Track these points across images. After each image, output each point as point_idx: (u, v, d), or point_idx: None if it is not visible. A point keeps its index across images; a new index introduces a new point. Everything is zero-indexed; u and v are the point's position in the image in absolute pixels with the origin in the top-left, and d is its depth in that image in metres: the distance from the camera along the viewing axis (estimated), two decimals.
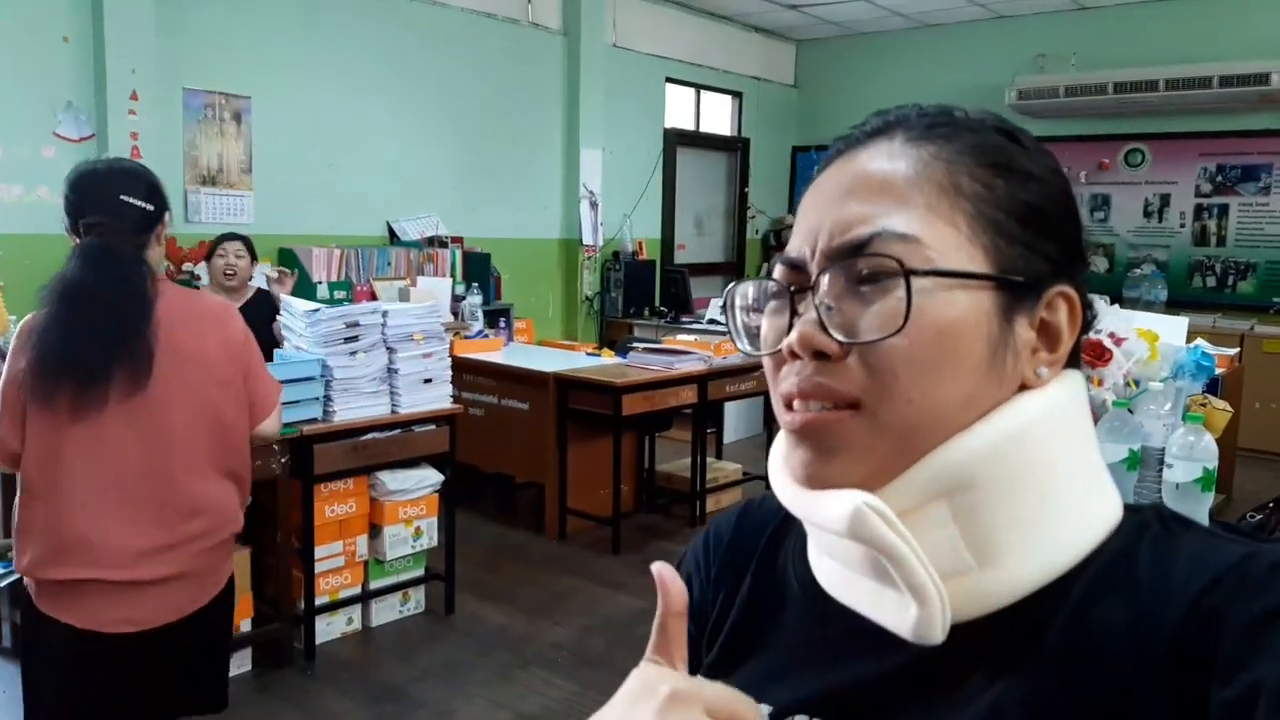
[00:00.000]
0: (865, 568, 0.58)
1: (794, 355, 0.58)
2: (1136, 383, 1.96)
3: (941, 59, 8.15)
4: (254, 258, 4.30)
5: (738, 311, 0.65)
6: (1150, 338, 1.99)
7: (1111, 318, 1.98)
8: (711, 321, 6.74)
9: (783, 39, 8.90)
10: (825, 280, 0.57)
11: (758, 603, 0.69)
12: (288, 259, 5.34)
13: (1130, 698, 0.51)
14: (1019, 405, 0.57)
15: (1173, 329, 2.18)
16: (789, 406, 0.59)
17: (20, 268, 4.53)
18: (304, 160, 5.53)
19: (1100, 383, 1.89)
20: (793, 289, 0.59)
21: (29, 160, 4.59)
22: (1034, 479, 0.56)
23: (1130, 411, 1.84)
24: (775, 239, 9.00)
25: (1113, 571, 0.55)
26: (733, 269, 8.85)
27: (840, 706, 0.60)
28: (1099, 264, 7.40)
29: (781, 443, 0.62)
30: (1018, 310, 0.57)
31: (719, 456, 5.71)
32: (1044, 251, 0.58)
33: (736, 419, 6.77)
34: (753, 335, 0.63)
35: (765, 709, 0.62)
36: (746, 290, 0.65)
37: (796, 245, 0.60)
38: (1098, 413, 1.81)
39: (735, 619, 0.69)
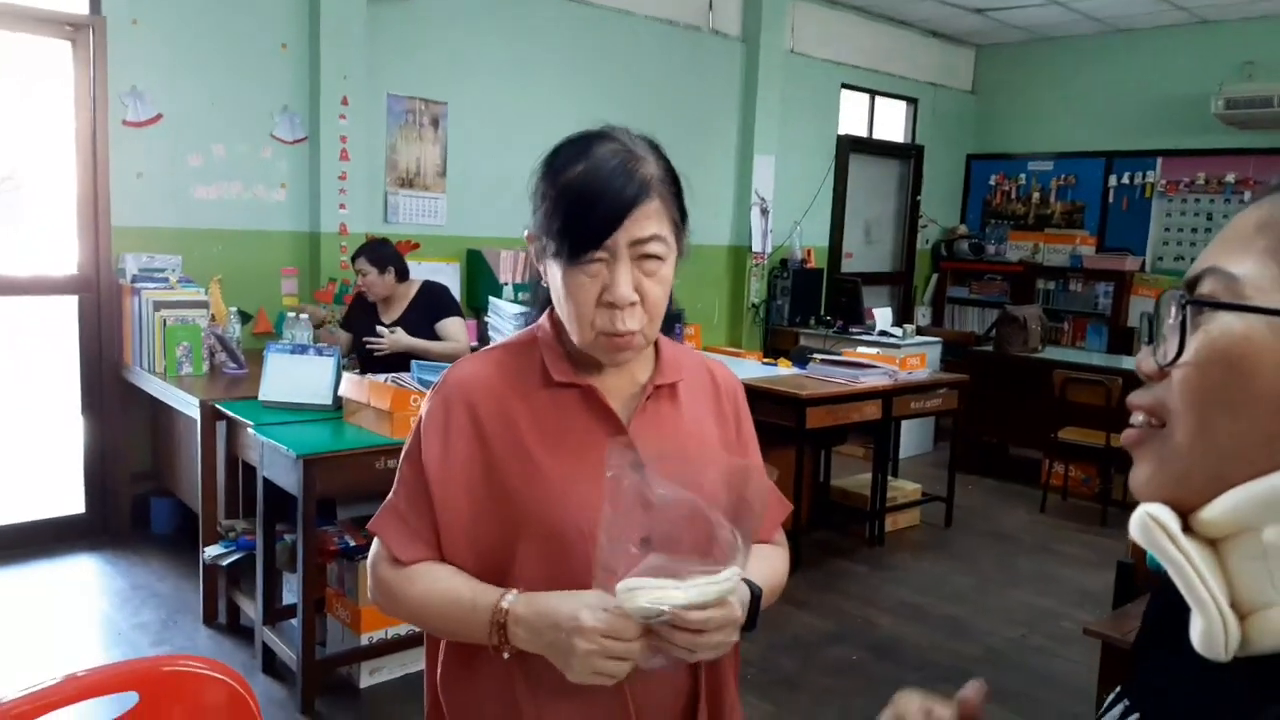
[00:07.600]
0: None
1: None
2: None
3: (1137, 65, 7.71)
4: (384, 266, 4.14)
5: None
6: None
7: None
8: (883, 333, 6.52)
9: (962, 44, 8.61)
10: (1168, 311, 0.63)
11: (1164, 605, 0.72)
12: (475, 260, 5.50)
13: None
14: None
15: None
16: None
17: (237, 262, 4.81)
18: (493, 164, 5.66)
19: None
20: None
21: (248, 160, 4.87)
22: None
23: None
24: (946, 249, 8.70)
25: None
26: (901, 279, 8.62)
27: (1160, 709, 0.64)
28: None
29: None
30: None
31: (895, 474, 5.55)
32: None
33: (908, 437, 6.58)
34: None
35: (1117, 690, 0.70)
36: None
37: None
38: None
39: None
